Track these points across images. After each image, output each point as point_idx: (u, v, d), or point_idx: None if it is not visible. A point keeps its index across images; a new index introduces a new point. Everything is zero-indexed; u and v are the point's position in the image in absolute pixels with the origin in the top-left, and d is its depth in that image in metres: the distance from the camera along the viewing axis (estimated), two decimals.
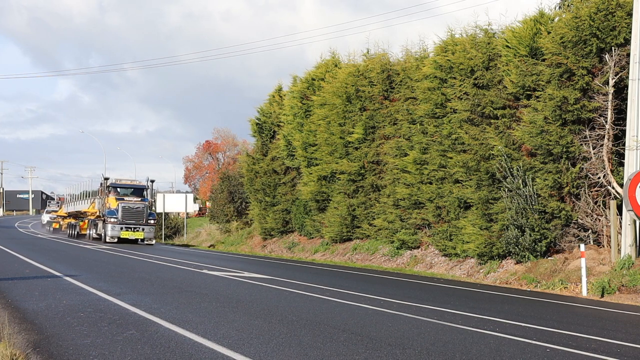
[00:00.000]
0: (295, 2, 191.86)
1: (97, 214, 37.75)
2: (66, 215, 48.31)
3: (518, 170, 17.68)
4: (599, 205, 17.14)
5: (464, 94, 19.82)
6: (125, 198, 35.97)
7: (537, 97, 17.53)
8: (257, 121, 33.74)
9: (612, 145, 16.82)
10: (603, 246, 16.82)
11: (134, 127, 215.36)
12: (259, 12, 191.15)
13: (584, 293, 14.71)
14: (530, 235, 17.28)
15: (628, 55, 16.04)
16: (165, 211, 47.34)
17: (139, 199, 36.48)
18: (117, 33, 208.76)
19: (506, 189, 17.91)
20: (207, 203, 70.59)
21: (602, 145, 16.87)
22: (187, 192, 75.65)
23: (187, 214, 54.81)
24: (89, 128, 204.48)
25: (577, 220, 17.39)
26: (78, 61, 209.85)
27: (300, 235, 30.23)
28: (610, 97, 16.52)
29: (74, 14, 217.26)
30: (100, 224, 37.20)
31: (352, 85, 25.43)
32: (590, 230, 17.34)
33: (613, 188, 16.48)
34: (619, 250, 15.77)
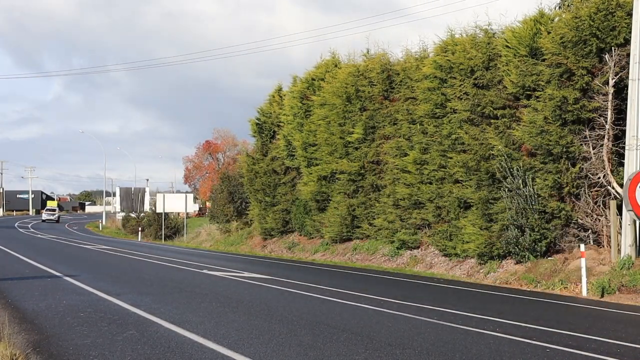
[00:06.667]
0: (269, 3, 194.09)
1: None
2: None
3: (518, 170, 17.67)
4: (599, 205, 17.13)
5: (464, 94, 19.80)
6: None
7: (537, 97, 17.52)
8: (257, 121, 33.69)
9: (612, 145, 16.81)
10: (603, 246, 16.81)
11: (121, 127, 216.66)
12: (235, 13, 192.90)
13: (584, 293, 14.70)
14: (530, 235, 17.27)
15: (628, 55, 16.03)
16: (165, 211, 47.36)
17: None
18: (99, 33, 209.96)
19: (506, 189, 17.91)
20: (207, 203, 70.59)
21: (602, 145, 16.86)
22: (187, 192, 75.73)
23: (187, 214, 54.79)
24: (77, 128, 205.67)
25: (577, 220, 17.38)
26: (61, 61, 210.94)
27: (300, 235, 30.21)
28: (610, 97, 16.51)
29: (55, 14, 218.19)
30: None
31: (352, 85, 25.41)
32: (590, 230, 17.33)
33: (613, 188, 16.47)
34: (619, 250, 15.77)
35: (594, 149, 16.96)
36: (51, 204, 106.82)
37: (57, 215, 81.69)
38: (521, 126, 17.78)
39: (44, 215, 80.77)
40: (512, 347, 8.26)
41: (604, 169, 16.67)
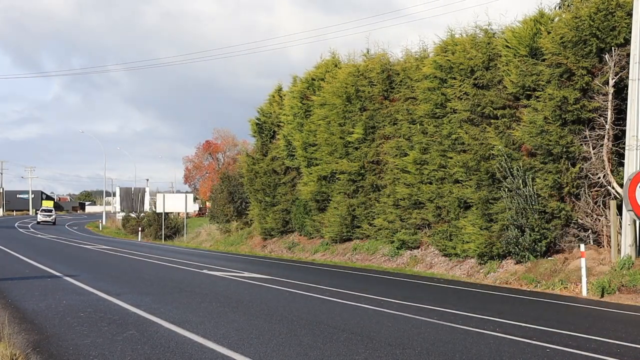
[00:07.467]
0: (268, 3, 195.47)
1: None
2: None
3: (518, 170, 17.67)
4: (599, 205, 17.13)
5: (464, 94, 19.80)
6: None
7: (537, 97, 17.52)
8: (257, 121, 33.70)
9: (612, 145, 16.81)
10: (603, 246, 16.81)
11: (121, 127, 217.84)
12: (234, 13, 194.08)
13: (584, 293, 14.71)
14: (530, 235, 17.27)
15: (628, 55, 16.03)
16: (165, 211, 47.36)
17: None
18: (98, 33, 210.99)
19: (506, 189, 17.90)
20: (207, 203, 70.62)
21: (602, 145, 16.86)
22: (187, 192, 75.74)
23: (187, 214, 54.81)
24: (76, 128, 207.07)
25: (577, 220, 17.38)
26: (61, 61, 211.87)
27: (300, 235, 30.22)
28: (610, 97, 16.51)
29: (55, 14, 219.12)
30: None
31: (352, 85, 25.40)
32: (590, 230, 17.33)
33: (613, 188, 16.47)
34: (619, 250, 15.77)
35: (594, 149, 16.95)
36: (47, 204, 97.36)
37: (53, 216, 74.08)
38: (521, 126, 17.78)
39: (39, 216, 73.02)
40: (512, 347, 8.26)
41: (604, 169, 16.67)
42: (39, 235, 43.38)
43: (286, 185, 31.36)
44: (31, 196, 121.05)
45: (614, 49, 16.31)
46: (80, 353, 7.27)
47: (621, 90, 16.55)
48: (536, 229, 17.23)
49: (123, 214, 72.92)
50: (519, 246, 17.52)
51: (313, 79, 28.91)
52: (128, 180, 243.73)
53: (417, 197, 21.94)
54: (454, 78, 20.17)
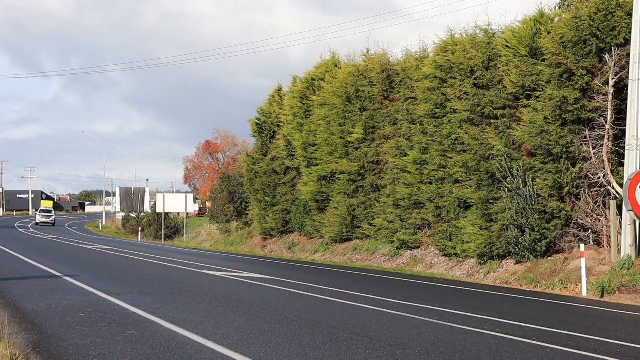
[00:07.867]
0: (267, 3, 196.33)
1: None
2: None
3: (518, 170, 17.67)
4: (599, 205, 17.13)
5: (464, 94, 19.80)
6: None
7: (537, 97, 17.52)
8: (257, 121, 33.70)
9: (612, 145, 16.81)
10: (603, 246, 16.81)
11: (120, 127, 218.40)
12: (233, 13, 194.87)
13: (584, 293, 14.71)
14: (530, 235, 17.27)
15: (628, 55, 16.04)
16: (165, 211, 47.37)
17: None
18: (98, 33, 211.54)
19: (506, 189, 17.91)
20: (207, 203, 70.64)
21: (602, 145, 16.86)
22: (187, 192, 75.74)
23: (187, 214, 54.81)
24: (76, 128, 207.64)
25: (577, 220, 17.38)
26: (60, 61, 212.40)
27: (300, 235, 30.22)
28: (610, 97, 16.51)
29: (54, 14, 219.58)
30: None
31: (352, 85, 25.40)
32: (590, 230, 17.33)
33: (613, 188, 16.47)
34: (619, 250, 15.77)
35: (594, 149, 16.95)
36: (46, 204, 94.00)
37: (53, 217, 70.77)
38: (521, 126, 17.78)
39: (38, 217, 69.48)
40: (512, 347, 8.26)
41: (604, 169, 16.67)
42: (38, 235, 43.38)
43: (286, 185, 31.36)
44: (31, 196, 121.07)
45: (614, 49, 16.31)
46: (80, 353, 7.27)
47: (621, 90, 16.55)
48: (536, 229, 17.23)
49: (123, 214, 72.92)
50: (519, 246, 17.52)
51: (313, 79, 28.91)
52: (128, 180, 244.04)
53: (417, 197, 21.94)
54: (454, 78, 20.17)
